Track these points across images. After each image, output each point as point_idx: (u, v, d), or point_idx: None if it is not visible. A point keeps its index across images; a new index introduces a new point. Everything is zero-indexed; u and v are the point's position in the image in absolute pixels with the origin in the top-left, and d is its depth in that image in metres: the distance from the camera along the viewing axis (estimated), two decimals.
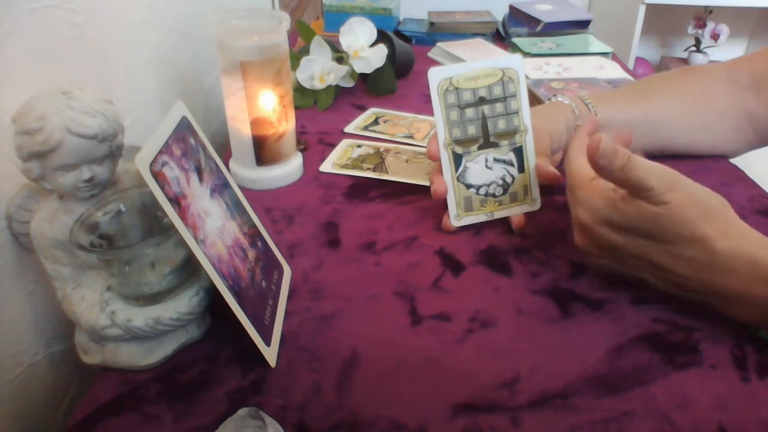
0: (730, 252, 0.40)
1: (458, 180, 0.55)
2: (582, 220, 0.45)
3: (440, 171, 0.55)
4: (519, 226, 0.56)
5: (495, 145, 0.55)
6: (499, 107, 0.54)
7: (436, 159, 0.55)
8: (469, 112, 0.53)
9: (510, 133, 0.54)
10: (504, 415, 0.38)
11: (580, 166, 0.46)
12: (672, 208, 0.40)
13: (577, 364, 0.41)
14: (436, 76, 0.53)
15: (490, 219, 0.57)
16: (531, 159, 0.55)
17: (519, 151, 0.55)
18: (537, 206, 0.56)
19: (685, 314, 0.45)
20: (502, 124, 0.54)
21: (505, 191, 0.56)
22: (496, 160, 0.55)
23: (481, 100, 0.53)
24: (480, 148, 0.54)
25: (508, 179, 0.56)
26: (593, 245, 0.46)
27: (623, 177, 0.41)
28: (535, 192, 0.56)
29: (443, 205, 0.56)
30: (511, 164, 0.55)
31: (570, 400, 0.39)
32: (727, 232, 0.40)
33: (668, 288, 0.44)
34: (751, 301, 0.40)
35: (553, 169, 0.54)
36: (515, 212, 0.56)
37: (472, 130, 0.54)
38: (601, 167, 0.41)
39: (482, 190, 0.56)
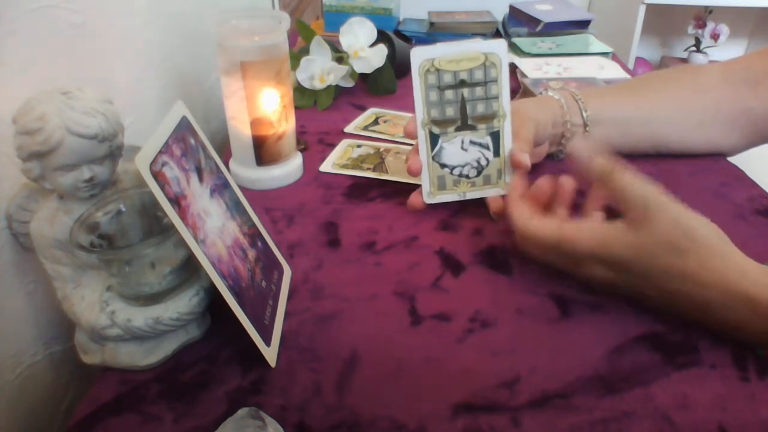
0: (720, 285, 0.40)
1: (433, 159, 0.56)
2: (584, 266, 0.45)
3: (417, 150, 0.56)
4: (497, 211, 0.56)
5: (472, 127, 0.55)
6: (479, 91, 0.54)
7: (411, 136, 0.56)
8: (449, 94, 0.54)
9: (488, 117, 0.55)
10: (504, 415, 0.38)
11: (539, 228, 0.46)
12: (657, 226, 0.40)
13: (577, 364, 0.41)
14: (418, 56, 0.53)
15: (462, 199, 0.58)
16: (507, 144, 0.56)
17: (496, 136, 0.56)
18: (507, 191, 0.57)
19: (688, 319, 0.45)
20: (480, 108, 0.55)
21: (479, 173, 0.57)
22: (472, 142, 0.56)
23: (462, 83, 0.54)
24: (457, 129, 0.55)
25: (483, 162, 0.56)
26: (588, 279, 0.46)
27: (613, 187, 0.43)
28: (509, 176, 0.57)
29: (442, 205, 0.56)
30: (487, 148, 0.56)
31: (570, 400, 0.39)
32: (723, 266, 0.40)
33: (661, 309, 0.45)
34: (749, 331, 0.41)
35: (525, 158, 0.55)
36: (487, 194, 0.57)
37: (451, 111, 0.55)
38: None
39: (456, 171, 0.56)
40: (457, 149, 0.56)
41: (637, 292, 0.44)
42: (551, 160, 0.67)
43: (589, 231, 0.44)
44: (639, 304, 0.46)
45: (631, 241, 0.41)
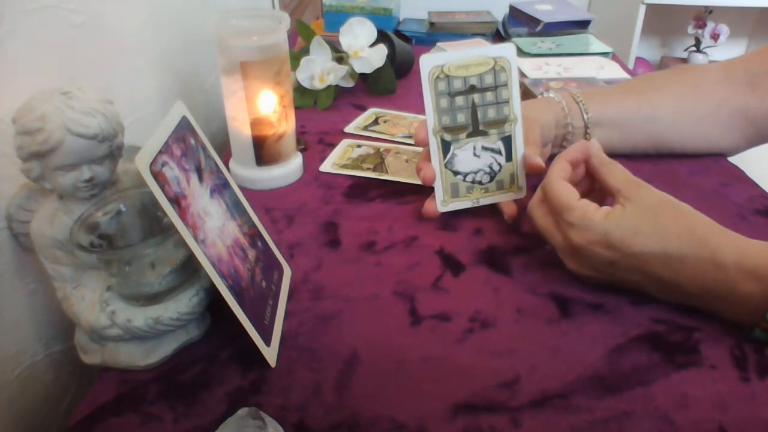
0: (718, 244, 0.42)
1: (446, 167, 0.55)
2: (575, 243, 0.45)
3: (428, 157, 0.56)
4: (511, 216, 0.56)
5: (484, 133, 0.55)
6: (489, 96, 0.54)
7: (422, 144, 0.55)
8: (459, 100, 0.54)
9: (499, 122, 0.55)
10: (504, 415, 0.38)
11: (563, 190, 0.46)
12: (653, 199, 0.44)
13: (577, 364, 0.41)
14: (427, 64, 0.53)
15: (476, 205, 0.57)
16: (519, 148, 0.56)
17: (507, 140, 0.55)
18: (522, 194, 0.57)
19: (685, 314, 0.45)
20: (491, 113, 0.54)
21: (491, 179, 0.56)
22: (484, 148, 0.55)
23: (472, 89, 0.54)
24: (469, 135, 0.55)
25: (496, 167, 0.56)
26: (587, 267, 0.46)
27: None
28: (522, 180, 0.57)
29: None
30: (499, 153, 0.56)
31: (570, 400, 0.39)
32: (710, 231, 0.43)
33: (661, 295, 0.46)
34: (739, 299, 0.41)
35: (540, 161, 0.55)
36: (501, 200, 0.57)
37: (462, 118, 0.54)
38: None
39: (469, 177, 0.56)
40: (469, 156, 0.55)
41: (640, 261, 0.44)
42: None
43: (593, 208, 0.45)
44: (638, 302, 0.46)
45: (630, 210, 0.44)
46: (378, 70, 0.89)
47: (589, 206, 0.45)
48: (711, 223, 0.43)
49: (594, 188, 0.51)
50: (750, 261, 0.40)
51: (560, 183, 0.47)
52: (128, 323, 0.40)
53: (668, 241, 0.42)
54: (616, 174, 0.46)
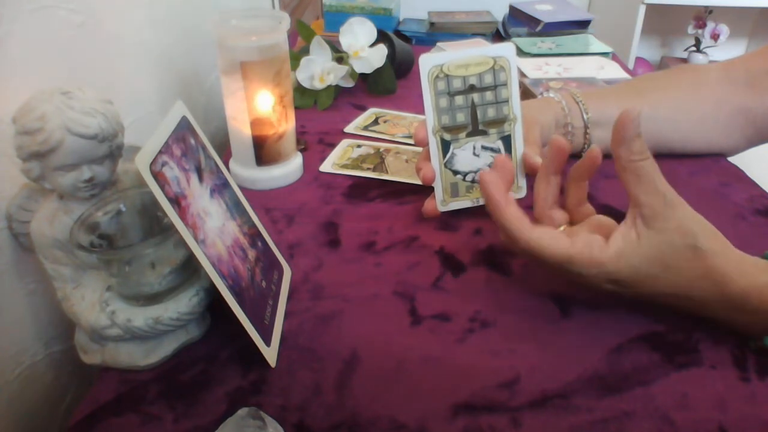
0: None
1: (446, 166, 0.55)
2: (581, 280, 0.43)
3: (428, 157, 0.55)
4: None
5: (483, 132, 0.55)
6: (489, 95, 0.54)
7: (422, 144, 0.55)
8: (459, 100, 0.54)
9: (499, 122, 0.55)
10: (504, 415, 0.38)
11: (553, 247, 0.41)
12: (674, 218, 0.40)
13: (577, 364, 0.41)
14: (427, 63, 0.53)
15: (475, 205, 0.57)
16: (519, 148, 0.56)
17: (507, 140, 0.55)
18: (523, 194, 0.57)
19: (685, 314, 0.45)
20: (491, 113, 0.54)
21: None
22: (483, 147, 0.55)
23: (472, 88, 0.54)
24: (468, 135, 0.55)
25: None
26: (589, 287, 0.44)
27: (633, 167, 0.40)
28: (522, 180, 0.57)
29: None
30: (499, 152, 0.56)
31: (570, 400, 0.39)
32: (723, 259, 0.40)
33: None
34: (742, 323, 0.42)
35: (539, 161, 0.55)
36: None
37: (461, 117, 0.54)
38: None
39: (469, 177, 0.56)
40: (468, 155, 0.55)
41: (647, 296, 0.43)
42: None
43: (599, 248, 0.41)
44: (638, 302, 0.46)
45: (645, 248, 0.40)
46: (378, 70, 0.89)
47: (593, 249, 0.41)
48: (727, 262, 0.39)
49: (580, 197, 0.46)
50: (759, 299, 0.39)
51: (542, 239, 0.41)
52: (128, 323, 0.40)
53: (679, 287, 0.41)
54: (645, 186, 0.39)
